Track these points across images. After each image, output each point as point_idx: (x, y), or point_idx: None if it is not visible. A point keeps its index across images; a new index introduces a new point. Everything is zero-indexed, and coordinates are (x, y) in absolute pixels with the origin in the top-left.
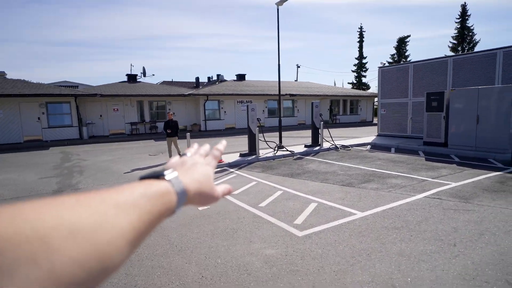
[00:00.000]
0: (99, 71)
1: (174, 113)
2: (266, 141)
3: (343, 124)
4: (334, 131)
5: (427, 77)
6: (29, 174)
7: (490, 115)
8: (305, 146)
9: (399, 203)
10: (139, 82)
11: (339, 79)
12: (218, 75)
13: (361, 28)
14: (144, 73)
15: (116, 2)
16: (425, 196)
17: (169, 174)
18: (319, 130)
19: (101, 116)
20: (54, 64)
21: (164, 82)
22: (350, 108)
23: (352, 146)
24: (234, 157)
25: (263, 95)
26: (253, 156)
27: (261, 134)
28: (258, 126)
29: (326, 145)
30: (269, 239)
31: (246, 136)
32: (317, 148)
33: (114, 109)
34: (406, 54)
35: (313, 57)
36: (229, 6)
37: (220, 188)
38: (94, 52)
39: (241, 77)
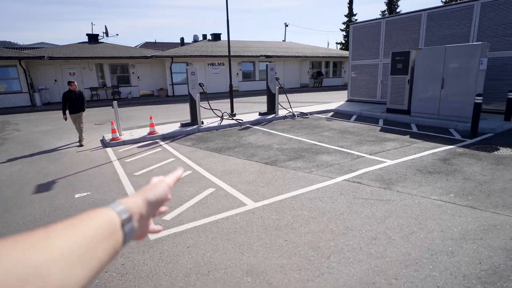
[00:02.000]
0: (81, 31)
1: (74, 82)
2: (212, 109)
3: (325, 88)
4: (306, 96)
5: (400, 35)
6: None
7: (456, 78)
8: (260, 114)
9: (308, 189)
10: (102, 42)
11: (332, 39)
12: (194, 36)
13: None
14: (106, 33)
15: None
16: (344, 180)
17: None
18: (275, 96)
19: (55, 81)
20: (36, 26)
21: (146, 44)
22: (333, 71)
23: (312, 113)
24: (173, 127)
25: (236, 56)
26: (194, 127)
27: (206, 102)
28: (201, 92)
29: (283, 112)
30: None
31: (216, 101)
32: (271, 116)
33: (70, 73)
34: (398, 10)
35: (304, 16)
36: None
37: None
38: (76, 11)
39: (216, 37)
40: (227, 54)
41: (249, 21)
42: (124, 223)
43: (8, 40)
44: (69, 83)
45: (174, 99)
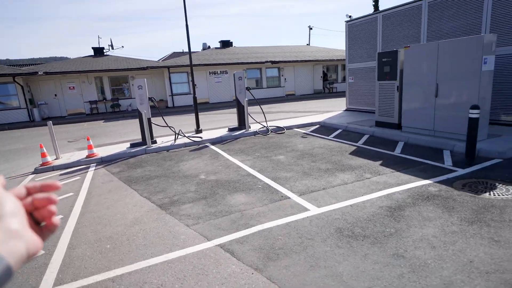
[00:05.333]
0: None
1: None
2: (169, 126)
3: (339, 94)
4: (311, 104)
5: (399, 31)
6: None
7: (454, 83)
8: (229, 129)
9: (152, 262)
10: (107, 55)
11: None
12: (203, 44)
13: None
14: (111, 46)
15: None
16: (219, 244)
17: None
18: (244, 109)
19: (55, 95)
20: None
21: (174, 54)
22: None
23: (292, 127)
24: (122, 147)
25: (239, 63)
26: (142, 147)
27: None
28: (152, 106)
29: (256, 127)
30: None
31: (223, 111)
32: (240, 132)
33: (70, 87)
34: None
35: (328, 18)
36: None
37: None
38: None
39: (224, 44)
40: (232, 62)
41: (274, 27)
42: None
43: (60, 56)
44: None
45: (173, 110)
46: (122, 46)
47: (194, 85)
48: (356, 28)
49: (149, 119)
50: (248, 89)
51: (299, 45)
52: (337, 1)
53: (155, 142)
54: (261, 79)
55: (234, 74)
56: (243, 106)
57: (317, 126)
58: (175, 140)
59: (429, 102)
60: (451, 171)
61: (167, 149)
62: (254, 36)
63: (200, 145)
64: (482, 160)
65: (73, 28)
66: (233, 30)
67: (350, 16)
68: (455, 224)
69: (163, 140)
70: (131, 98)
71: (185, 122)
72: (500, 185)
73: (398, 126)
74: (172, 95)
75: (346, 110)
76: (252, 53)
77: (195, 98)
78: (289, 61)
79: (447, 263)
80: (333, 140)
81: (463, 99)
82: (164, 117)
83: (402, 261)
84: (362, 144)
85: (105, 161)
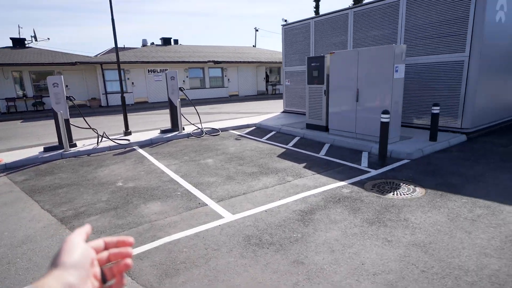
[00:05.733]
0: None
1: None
2: (91, 128)
3: (281, 95)
4: (254, 105)
5: (330, 37)
6: None
7: (372, 89)
8: (161, 131)
9: None
10: (29, 47)
11: None
12: (143, 40)
13: None
14: (35, 37)
15: None
16: None
17: None
18: (177, 109)
19: None
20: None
21: (113, 49)
22: None
23: (228, 129)
24: (34, 151)
25: (181, 62)
26: (59, 151)
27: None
28: (71, 106)
29: (190, 129)
30: None
31: (161, 111)
32: (172, 134)
33: None
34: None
35: (275, 21)
36: None
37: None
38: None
39: (166, 42)
40: (173, 60)
41: (220, 27)
42: None
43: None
44: None
45: (107, 110)
46: (48, 38)
47: (121, 83)
48: (291, 32)
49: (66, 120)
50: (181, 89)
51: (243, 46)
52: (282, 3)
53: (74, 145)
54: (204, 79)
55: (166, 74)
56: (176, 107)
57: (253, 128)
58: (97, 143)
59: (351, 106)
60: (365, 172)
61: (88, 153)
62: (202, 36)
63: (127, 148)
64: (393, 161)
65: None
66: (179, 28)
67: (286, 20)
68: (357, 226)
69: (86, 143)
70: None
71: (119, 122)
72: (404, 184)
73: (326, 129)
74: (106, 93)
75: (283, 112)
76: (195, 52)
77: (123, 98)
78: (232, 62)
79: (341, 267)
80: (265, 142)
81: (379, 104)
82: (96, 117)
83: (301, 268)
84: (291, 146)
85: (9, 168)
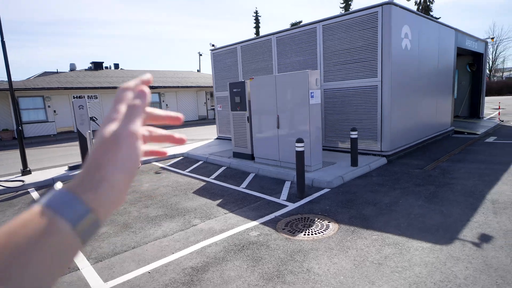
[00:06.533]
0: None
1: None
2: None
3: None
4: (192, 130)
5: (256, 62)
6: None
7: (291, 115)
8: (69, 167)
9: None
10: None
11: None
12: (71, 64)
13: (256, 13)
14: None
15: None
16: None
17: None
18: (87, 142)
19: None
20: None
21: (45, 73)
22: None
23: (153, 160)
24: None
25: (112, 88)
26: None
27: None
28: None
29: None
30: None
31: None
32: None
33: None
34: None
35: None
36: None
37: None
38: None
39: (97, 66)
40: (102, 86)
41: (167, 52)
42: (80, 229)
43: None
44: None
45: (26, 141)
46: None
47: (17, 113)
48: (220, 57)
49: None
50: (93, 119)
51: (183, 71)
52: (229, 29)
53: None
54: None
55: (72, 102)
56: (86, 139)
57: (180, 158)
58: None
59: (273, 132)
60: (283, 206)
61: None
62: (146, 60)
63: (18, 192)
64: (314, 191)
65: None
66: (121, 51)
67: (213, 45)
68: (251, 285)
69: None
70: None
71: (30, 157)
72: (318, 220)
73: (252, 157)
74: (21, 123)
75: (217, 138)
76: (128, 77)
77: (19, 131)
78: (170, 87)
79: None
80: (187, 175)
81: (298, 130)
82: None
83: None
84: (213, 178)
85: None
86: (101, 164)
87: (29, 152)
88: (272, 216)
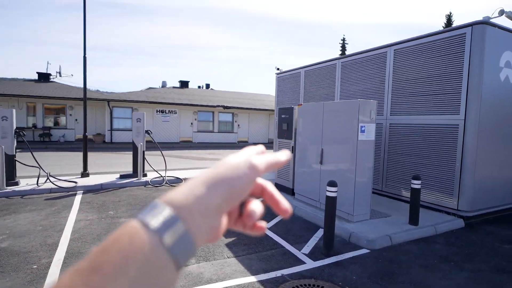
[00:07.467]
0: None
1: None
2: (39, 167)
3: None
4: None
5: (318, 88)
6: None
7: (337, 150)
8: (120, 176)
9: None
10: (52, 82)
11: None
12: (163, 82)
13: (343, 39)
14: (59, 73)
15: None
16: None
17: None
18: (138, 152)
19: None
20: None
21: (150, 89)
22: None
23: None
24: None
25: (189, 105)
26: None
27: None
28: (23, 141)
29: (153, 175)
30: None
31: (158, 152)
32: (129, 180)
33: None
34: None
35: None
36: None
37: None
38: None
39: (183, 84)
40: (181, 102)
41: (252, 73)
42: (170, 244)
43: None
44: None
45: (110, 146)
46: (72, 75)
47: (85, 119)
48: (284, 82)
49: (11, 156)
50: (148, 132)
51: (259, 94)
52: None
53: (15, 183)
54: (213, 123)
55: (132, 115)
56: (138, 150)
57: None
58: (37, 183)
59: (316, 168)
60: (299, 262)
61: (23, 194)
62: (237, 82)
63: (69, 193)
64: (347, 249)
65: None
66: (219, 73)
67: (278, 69)
68: None
69: (29, 182)
70: (66, 128)
71: (103, 161)
72: None
73: (292, 192)
74: (111, 129)
75: None
76: (207, 96)
77: (85, 137)
78: (243, 108)
79: None
80: None
81: (341, 168)
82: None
83: None
84: None
85: None
86: (213, 186)
87: (109, 155)
88: (278, 273)
